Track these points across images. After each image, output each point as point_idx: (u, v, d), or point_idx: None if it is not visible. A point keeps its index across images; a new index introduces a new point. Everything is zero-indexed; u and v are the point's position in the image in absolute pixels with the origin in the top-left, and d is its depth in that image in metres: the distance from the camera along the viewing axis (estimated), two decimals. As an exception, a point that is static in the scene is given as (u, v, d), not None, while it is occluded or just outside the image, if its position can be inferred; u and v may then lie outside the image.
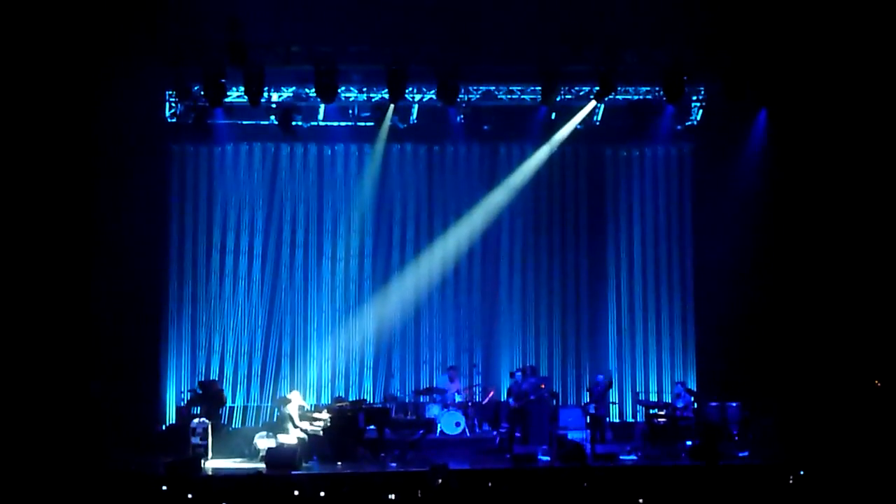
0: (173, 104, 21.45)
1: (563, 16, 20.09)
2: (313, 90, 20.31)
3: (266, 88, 20.47)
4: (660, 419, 20.10)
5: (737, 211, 22.20)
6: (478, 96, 21.86)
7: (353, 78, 21.14)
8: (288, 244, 22.86)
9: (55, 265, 19.73)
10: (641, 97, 21.96)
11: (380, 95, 21.46)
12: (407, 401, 22.27)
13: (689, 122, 22.85)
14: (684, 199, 23.56)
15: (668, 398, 21.83)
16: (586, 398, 22.31)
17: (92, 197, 20.42)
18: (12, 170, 19.33)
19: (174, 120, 21.66)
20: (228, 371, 22.46)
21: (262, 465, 18.09)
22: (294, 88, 21.33)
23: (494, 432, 21.25)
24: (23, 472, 16.23)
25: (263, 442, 19.29)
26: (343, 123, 22.47)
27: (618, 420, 22.57)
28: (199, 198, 22.66)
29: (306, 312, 22.90)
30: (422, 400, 22.03)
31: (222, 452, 19.42)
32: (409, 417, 21.25)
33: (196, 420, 19.41)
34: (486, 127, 22.80)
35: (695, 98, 22.43)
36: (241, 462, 19.15)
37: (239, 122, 22.09)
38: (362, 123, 22.42)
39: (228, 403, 21.74)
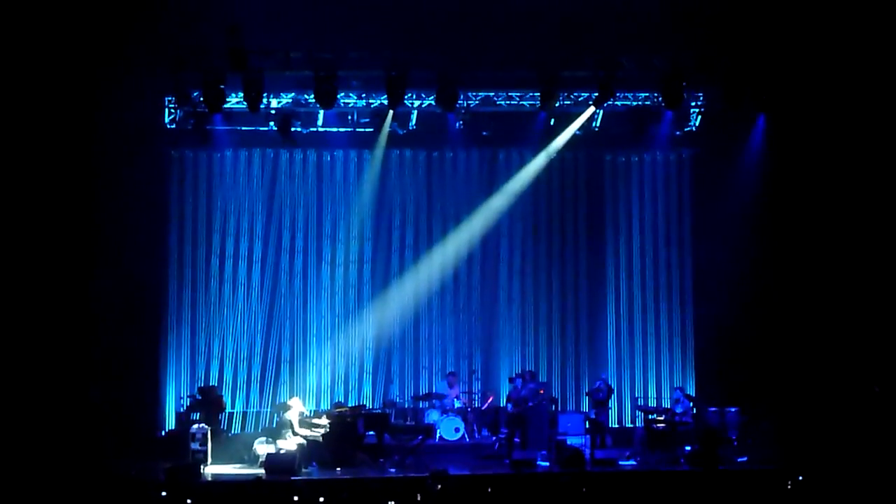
0: (173, 110, 21.43)
1: (562, 22, 20.16)
2: (313, 96, 20.28)
3: (265, 94, 20.40)
4: (659, 424, 20.09)
5: (735, 217, 22.19)
6: (477, 102, 21.82)
7: (352, 84, 21.09)
8: (287, 250, 22.86)
9: (55, 271, 19.70)
10: (640, 103, 21.90)
11: (379, 101, 21.42)
12: (406, 406, 22.31)
13: (688, 128, 22.82)
14: (683, 205, 23.57)
15: (667, 404, 21.78)
16: (585, 403, 22.37)
17: (92, 203, 20.40)
18: (13, 176, 19.33)
19: (174, 126, 21.63)
20: (228, 376, 22.47)
21: (262, 471, 18.05)
22: (293, 94, 21.29)
23: (494, 438, 21.24)
24: (23, 478, 16.23)
25: (263, 448, 19.27)
26: (342, 129, 22.48)
27: (617, 425, 22.62)
28: (199, 203, 22.66)
29: (306, 318, 22.90)
30: (421, 405, 22.06)
31: (222, 458, 19.42)
32: (408, 423, 21.32)
33: (195, 426, 19.45)
34: (485, 133, 22.77)
35: (694, 104, 22.38)
36: (240, 468, 19.13)
37: (238, 127, 22.07)
38: (362, 129, 22.42)
39: (228, 409, 21.75)
